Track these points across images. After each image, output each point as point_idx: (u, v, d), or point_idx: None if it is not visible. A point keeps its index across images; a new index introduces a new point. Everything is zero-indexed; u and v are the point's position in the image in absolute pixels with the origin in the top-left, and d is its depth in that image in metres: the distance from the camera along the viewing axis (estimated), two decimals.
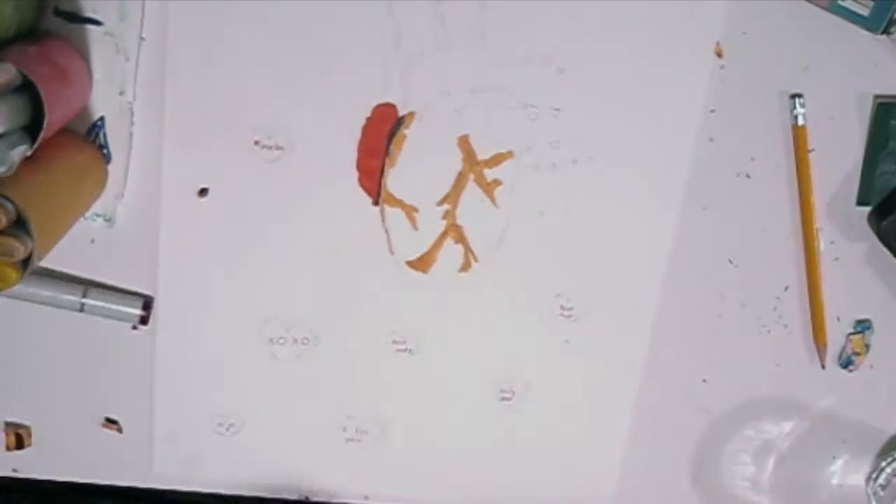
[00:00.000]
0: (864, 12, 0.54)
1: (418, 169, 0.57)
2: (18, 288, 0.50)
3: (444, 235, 0.58)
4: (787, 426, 0.61)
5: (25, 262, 0.49)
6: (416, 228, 0.58)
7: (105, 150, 0.56)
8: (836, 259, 0.59)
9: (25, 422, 0.61)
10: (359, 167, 0.57)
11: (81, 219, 0.56)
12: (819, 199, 0.57)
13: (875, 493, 0.61)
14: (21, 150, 0.48)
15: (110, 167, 0.57)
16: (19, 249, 0.48)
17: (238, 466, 0.61)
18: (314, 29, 0.55)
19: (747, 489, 0.61)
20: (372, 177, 0.57)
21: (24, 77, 0.48)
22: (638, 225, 0.58)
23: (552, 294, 0.59)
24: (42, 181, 0.51)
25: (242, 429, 0.61)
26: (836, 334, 0.59)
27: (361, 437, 0.61)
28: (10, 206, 0.48)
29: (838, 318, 0.59)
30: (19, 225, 0.48)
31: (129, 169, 0.57)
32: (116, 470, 0.62)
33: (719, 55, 0.56)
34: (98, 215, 0.57)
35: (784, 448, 0.61)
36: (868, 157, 0.57)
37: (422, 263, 0.59)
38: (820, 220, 0.58)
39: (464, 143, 0.57)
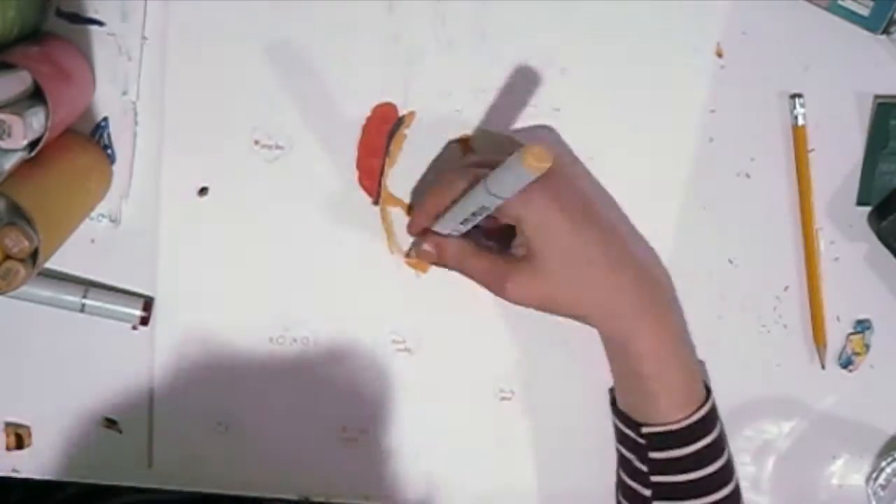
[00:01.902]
0: (864, 12, 0.54)
1: (418, 168, 0.57)
2: (20, 288, 0.50)
3: None
4: (787, 426, 0.61)
5: (32, 262, 0.49)
6: None
7: (109, 151, 0.57)
8: (836, 259, 0.58)
9: (25, 422, 0.61)
10: (359, 166, 0.57)
11: (86, 219, 0.57)
12: (819, 199, 0.57)
13: (875, 493, 0.61)
14: (18, 156, 0.48)
15: (115, 167, 0.57)
16: (24, 243, 0.48)
17: (237, 466, 0.61)
18: (314, 28, 0.55)
19: (747, 489, 0.61)
20: (372, 176, 0.57)
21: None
22: (638, 225, 0.58)
23: None
24: (47, 182, 0.51)
25: (242, 428, 0.61)
26: (836, 334, 0.59)
27: (360, 437, 0.61)
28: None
29: (838, 318, 0.59)
30: (25, 225, 0.48)
31: (133, 169, 0.57)
32: (116, 470, 0.62)
33: (719, 55, 0.56)
34: (103, 216, 0.57)
35: (784, 448, 0.61)
36: (868, 157, 0.57)
37: (421, 263, 0.58)
38: (820, 220, 0.58)
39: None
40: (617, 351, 0.54)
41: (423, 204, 0.54)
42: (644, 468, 0.55)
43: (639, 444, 0.55)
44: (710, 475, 0.54)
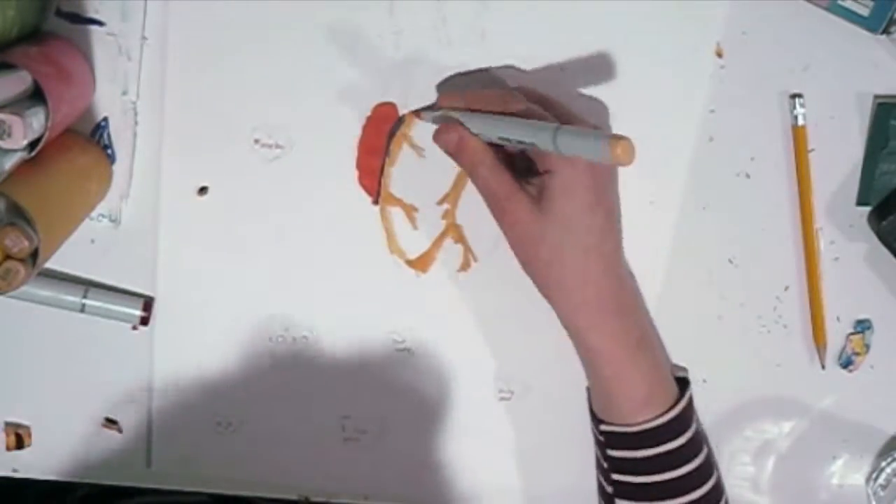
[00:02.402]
0: (864, 12, 0.54)
1: (418, 168, 0.57)
2: (20, 288, 0.50)
3: (443, 235, 0.58)
4: (787, 426, 0.61)
5: (32, 262, 0.49)
6: (415, 228, 0.58)
7: (109, 151, 0.57)
8: (836, 259, 0.58)
9: (25, 422, 0.61)
10: (359, 166, 0.57)
11: (86, 219, 0.57)
12: (819, 199, 0.57)
13: (875, 493, 0.61)
14: (18, 156, 0.48)
15: (115, 167, 0.57)
16: (24, 242, 0.48)
17: (237, 466, 0.61)
18: (315, 28, 0.55)
19: (747, 489, 0.61)
20: (372, 176, 0.57)
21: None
22: (638, 225, 0.58)
23: None
24: (47, 182, 0.51)
25: (241, 428, 0.61)
26: (836, 334, 0.59)
27: (360, 437, 0.61)
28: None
29: (838, 318, 0.59)
30: (25, 225, 0.48)
31: (133, 169, 0.57)
32: (116, 470, 0.62)
33: (719, 55, 0.56)
34: (103, 216, 0.57)
35: (784, 448, 0.61)
36: (868, 157, 0.57)
37: (421, 263, 0.59)
38: (820, 220, 0.58)
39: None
40: (577, 345, 0.55)
41: (470, 95, 0.53)
42: (605, 465, 0.55)
43: (600, 440, 0.55)
44: (677, 478, 0.54)
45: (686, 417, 0.55)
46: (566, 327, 0.55)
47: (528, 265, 0.53)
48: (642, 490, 0.54)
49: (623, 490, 0.55)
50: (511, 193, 0.52)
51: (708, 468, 0.55)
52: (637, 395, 0.53)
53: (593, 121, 0.56)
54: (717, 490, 0.56)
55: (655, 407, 0.54)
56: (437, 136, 0.54)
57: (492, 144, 0.52)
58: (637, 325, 0.55)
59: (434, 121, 0.55)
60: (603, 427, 0.55)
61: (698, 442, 0.55)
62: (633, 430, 0.53)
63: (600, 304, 0.53)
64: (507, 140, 0.50)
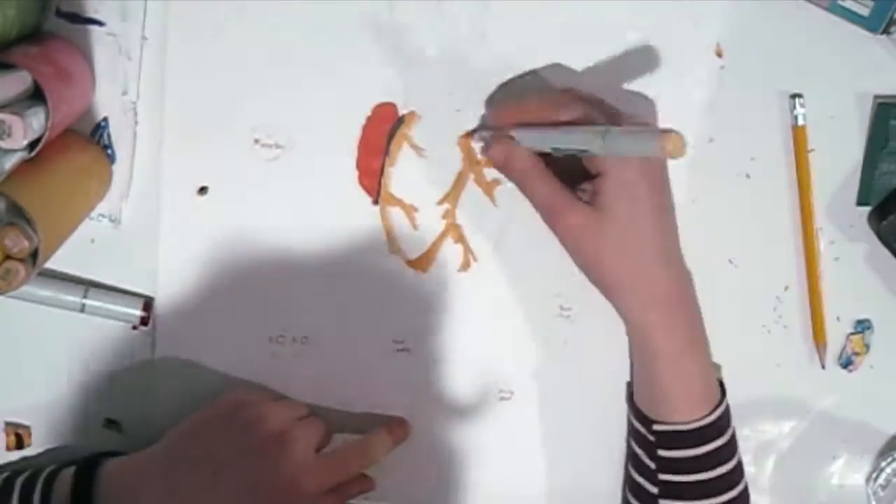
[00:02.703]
0: (864, 12, 0.54)
1: (418, 168, 0.57)
2: (20, 288, 0.50)
3: (443, 235, 0.58)
4: (787, 426, 0.61)
5: (32, 262, 0.49)
6: (415, 228, 0.58)
7: (109, 151, 0.57)
8: (836, 259, 0.59)
9: (25, 422, 0.61)
10: (359, 166, 0.57)
11: (86, 219, 0.57)
12: (819, 199, 0.57)
13: (875, 493, 0.61)
14: (18, 156, 0.48)
15: (115, 167, 0.57)
16: (24, 242, 0.48)
17: None
18: (315, 28, 0.55)
19: None
20: (372, 176, 0.57)
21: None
22: None
23: (551, 294, 0.59)
24: (47, 182, 0.51)
25: None
26: (836, 334, 0.59)
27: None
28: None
29: (838, 318, 0.59)
30: (25, 225, 0.48)
31: (133, 169, 0.57)
32: None
33: (719, 55, 0.56)
34: (103, 216, 0.57)
35: (784, 448, 0.61)
36: (868, 157, 0.57)
37: (421, 263, 0.59)
38: (820, 220, 0.58)
39: (464, 142, 0.57)
40: (638, 343, 0.54)
41: (523, 107, 0.53)
42: (652, 465, 0.55)
43: (649, 440, 0.55)
44: (719, 477, 0.54)
45: (728, 414, 0.55)
46: (629, 326, 0.55)
47: (589, 268, 0.53)
48: (691, 488, 0.54)
49: (670, 490, 0.54)
50: (564, 200, 0.52)
51: (742, 464, 0.56)
52: (694, 392, 0.54)
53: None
54: (746, 485, 0.56)
55: (708, 404, 0.54)
56: (485, 152, 0.55)
57: (543, 155, 0.52)
58: (697, 321, 0.55)
59: (486, 140, 0.55)
60: (656, 427, 0.54)
61: (735, 438, 0.56)
62: (688, 429, 0.53)
63: (664, 301, 0.53)
64: (559, 149, 0.50)
